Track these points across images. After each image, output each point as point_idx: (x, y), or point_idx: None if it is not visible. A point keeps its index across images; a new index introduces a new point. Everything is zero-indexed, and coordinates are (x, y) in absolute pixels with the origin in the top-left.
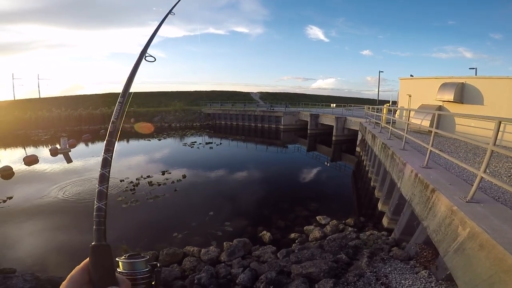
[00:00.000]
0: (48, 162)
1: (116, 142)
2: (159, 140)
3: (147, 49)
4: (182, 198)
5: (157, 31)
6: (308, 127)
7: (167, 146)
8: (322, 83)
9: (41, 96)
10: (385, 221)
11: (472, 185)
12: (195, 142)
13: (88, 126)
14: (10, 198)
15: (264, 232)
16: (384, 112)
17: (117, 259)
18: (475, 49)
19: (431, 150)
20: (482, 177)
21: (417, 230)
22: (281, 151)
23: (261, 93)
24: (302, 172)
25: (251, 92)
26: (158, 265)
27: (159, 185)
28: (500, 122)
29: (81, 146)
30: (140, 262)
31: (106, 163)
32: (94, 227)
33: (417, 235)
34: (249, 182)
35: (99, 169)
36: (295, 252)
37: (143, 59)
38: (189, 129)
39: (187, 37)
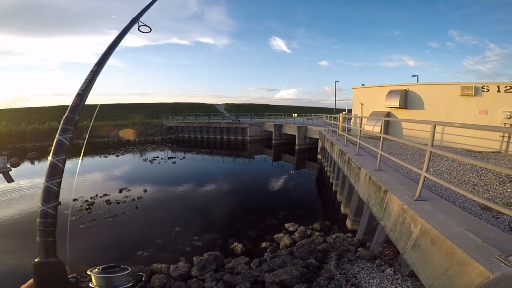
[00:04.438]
0: None
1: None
2: (117, 156)
3: (140, 16)
4: (145, 215)
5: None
6: (273, 137)
7: (125, 162)
8: (285, 94)
9: None
10: (348, 223)
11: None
12: (157, 157)
13: (33, 143)
14: None
15: (236, 243)
16: (340, 120)
17: (88, 272)
18: (416, 57)
19: (381, 154)
20: (425, 177)
21: (377, 229)
22: (248, 162)
23: (226, 104)
24: (269, 182)
25: (216, 104)
26: (143, 276)
27: (118, 203)
28: (435, 126)
29: (26, 165)
30: (121, 276)
31: (60, 148)
32: (37, 238)
33: (378, 235)
34: (216, 195)
35: (50, 157)
36: (267, 261)
37: (137, 30)
38: (150, 143)
39: (148, 47)
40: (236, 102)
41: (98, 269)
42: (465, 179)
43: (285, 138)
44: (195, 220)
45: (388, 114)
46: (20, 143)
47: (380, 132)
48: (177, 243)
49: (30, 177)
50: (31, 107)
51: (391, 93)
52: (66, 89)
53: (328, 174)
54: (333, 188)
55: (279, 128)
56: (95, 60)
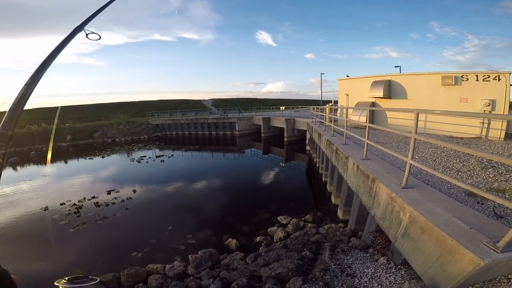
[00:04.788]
0: None
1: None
2: (103, 157)
3: (86, 24)
4: (136, 216)
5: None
6: (262, 131)
7: (112, 163)
8: (272, 87)
9: None
10: (340, 213)
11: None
12: (144, 156)
13: (13, 148)
14: None
15: (230, 239)
16: (327, 111)
17: (55, 283)
18: (399, 49)
19: (367, 143)
20: (411, 164)
21: (368, 219)
22: (238, 156)
23: (213, 100)
24: (260, 175)
25: (203, 100)
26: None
27: (107, 205)
28: (418, 113)
29: (7, 171)
30: (89, 287)
31: None
32: None
33: (369, 224)
34: (207, 192)
35: None
36: (263, 255)
37: (85, 37)
38: (136, 142)
39: (129, 44)
40: (224, 97)
41: (65, 280)
42: (449, 165)
43: (274, 131)
44: (188, 218)
45: (373, 104)
46: None
47: (366, 122)
48: (171, 242)
49: (10, 184)
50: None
51: (375, 83)
52: (42, 91)
53: (317, 165)
54: (323, 179)
55: (268, 121)
56: (71, 59)
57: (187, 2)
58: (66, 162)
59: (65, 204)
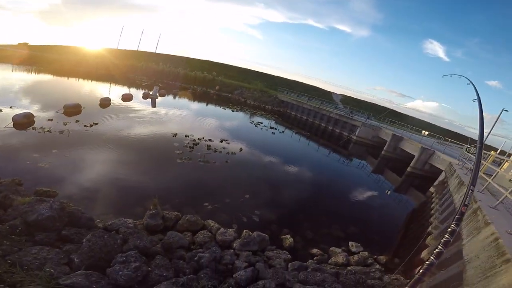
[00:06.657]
0: (138, 102)
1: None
2: (233, 111)
3: None
4: (228, 172)
5: None
6: (384, 148)
7: (236, 118)
8: (421, 105)
9: (156, 52)
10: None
11: None
12: (261, 123)
13: (181, 83)
14: (96, 124)
15: (288, 236)
16: (490, 160)
17: None
18: None
19: None
20: None
21: None
22: (343, 162)
23: (343, 95)
24: (355, 191)
25: (333, 92)
26: None
27: (215, 151)
28: None
29: (169, 97)
30: None
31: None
32: None
33: None
34: (296, 179)
35: None
36: (307, 271)
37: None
38: (261, 109)
39: (285, 24)
40: (355, 97)
41: None
42: None
43: (399, 154)
44: (265, 194)
45: None
46: (173, 81)
47: None
48: (239, 210)
49: (167, 107)
50: (188, 57)
51: None
52: (217, 49)
53: (432, 212)
54: (428, 229)
55: (397, 140)
56: (242, 28)
57: None
58: (207, 105)
59: (188, 137)
